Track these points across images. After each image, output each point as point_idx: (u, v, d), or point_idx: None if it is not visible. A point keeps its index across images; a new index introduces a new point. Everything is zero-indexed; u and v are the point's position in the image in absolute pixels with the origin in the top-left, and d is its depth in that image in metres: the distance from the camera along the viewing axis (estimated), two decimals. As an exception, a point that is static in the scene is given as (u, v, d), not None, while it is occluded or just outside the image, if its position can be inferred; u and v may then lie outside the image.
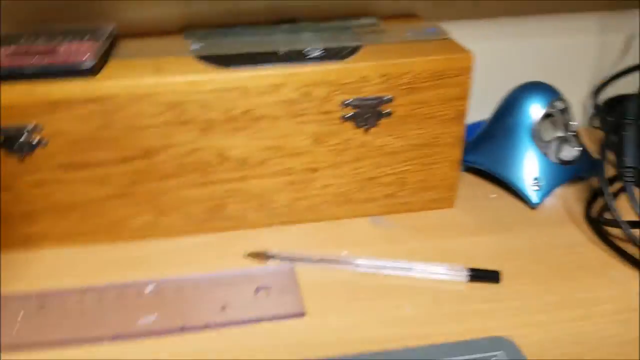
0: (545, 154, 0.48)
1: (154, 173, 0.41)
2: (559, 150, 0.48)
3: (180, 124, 0.39)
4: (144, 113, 0.38)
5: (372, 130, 0.42)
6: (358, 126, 0.42)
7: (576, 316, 0.36)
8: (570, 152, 0.49)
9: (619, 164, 0.40)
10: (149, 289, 0.37)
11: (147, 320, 0.35)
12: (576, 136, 0.49)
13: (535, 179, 0.48)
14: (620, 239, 0.43)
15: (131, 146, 0.39)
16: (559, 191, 0.51)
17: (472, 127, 0.55)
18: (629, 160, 0.39)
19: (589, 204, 0.48)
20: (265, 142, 0.41)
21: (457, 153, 0.45)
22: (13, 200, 0.40)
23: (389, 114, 0.42)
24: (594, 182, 0.52)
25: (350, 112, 0.41)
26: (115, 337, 0.34)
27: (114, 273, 0.40)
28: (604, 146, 0.41)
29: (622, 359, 0.32)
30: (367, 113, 0.41)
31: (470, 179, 0.53)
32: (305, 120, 0.41)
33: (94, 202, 0.41)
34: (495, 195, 0.50)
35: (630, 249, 0.41)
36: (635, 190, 0.42)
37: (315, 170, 0.43)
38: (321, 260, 0.41)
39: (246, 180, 0.42)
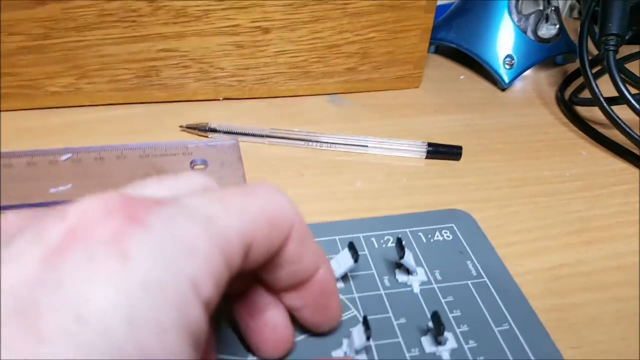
0: (521, 30, 0.44)
1: (71, 21, 0.34)
2: (537, 26, 0.44)
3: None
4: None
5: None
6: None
7: (539, 192, 0.33)
8: (548, 30, 0.45)
9: (602, 32, 0.36)
10: (64, 157, 0.33)
11: (61, 188, 0.30)
12: (557, 12, 0.45)
13: (508, 56, 0.44)
14: (592, 121, 0.40)
15: (42, -17, 0.33)
16: (531, 75, 0.47)
17: (442, 8, 0.50)
18: (613, 27, 0.35)
19: (562, 87, 0.44)
20: (207, -13, 0.35)
21: (429, 20, 0.40)
22: None
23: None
24: (569, 67, 0.49)
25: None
26: (23, 206, 0.29)
27: (24, 142, 0.35)
28: (587, 15, 0.37)
29: (590, 232, 0.30)
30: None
31: (439, 60, 0.49)
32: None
33: (4, 56, 0.35)
34: (464, 77, 0.47)
35: (603, 130, 0.38)
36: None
37: (267, 30, 0.38)
38: (268, 136, 0.36)
39: (184, 38, 0.37)
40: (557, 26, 0.45)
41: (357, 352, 0.22)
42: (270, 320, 0.21)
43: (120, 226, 0.13)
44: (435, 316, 0.22)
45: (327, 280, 0.20)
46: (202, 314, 0.14)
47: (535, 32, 0.44)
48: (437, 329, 0.22)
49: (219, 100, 0.41)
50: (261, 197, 0.17)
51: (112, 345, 0.11)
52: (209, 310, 0.14)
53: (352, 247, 0.25)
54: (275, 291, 0.20)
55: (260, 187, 0.18)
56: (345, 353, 0.23)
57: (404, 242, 0.28)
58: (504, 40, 0.44)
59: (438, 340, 0.23)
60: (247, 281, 0.20)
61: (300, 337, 0.23)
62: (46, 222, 0.13)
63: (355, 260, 0.24)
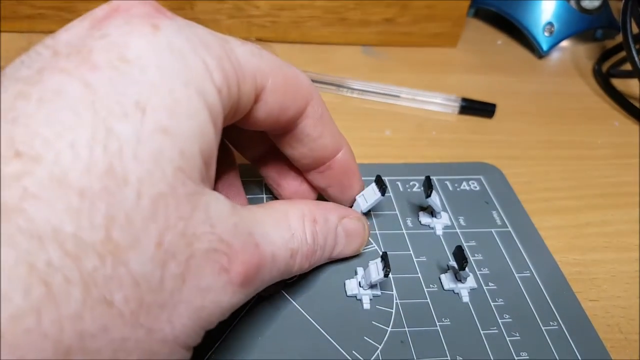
0: (565, -2, 0.43)
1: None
2: (581, -5, 0.43)
3: None
4: None
5: None
6: None
7: (569, 155, 0.33)
8: (592, 1, 0.43)
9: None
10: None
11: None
12: (603, -17, 0.44)
13: (549, 23, 0.43)
14: (628, 95, 0.39)
15: None
16: (570, 47, 0.46)
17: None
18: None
19: (600, 60, 0.43)
20: None
21: (470, -22, 0.39)
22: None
23: None
24: (607, 43, 0.48)
25: None
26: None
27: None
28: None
29: (617, 196, 0.30)
30: None
31: (478, 24, 0.48)
32: None
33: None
34: (501, 42, 0.46)
35: (637, 104, 0.38)
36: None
37: (306, -29, 0.38)
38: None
39: (225, -31, 0.37)
40: (602, -2, 0.43)
41: (372, 286, 0.23)
42: (297, 177, 0.24)
43: (153, 11, 0.16)
44: (458, 250, 0.22)
45: (349, 161, 0.22)
46: (215, 94, 0.15)
47: (578, 2, 0.43)
48: (459, 263, 0.22)
49: (251, 40, 0.40)
50: (280, 59, 0.18)
51: (148, 82, 0.14)
52: (221, 102, 0.16)
53: (379, 180, 0.24)
54: (302, 169, 0.23)
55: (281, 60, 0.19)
56: (359, 283, 0.23)
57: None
58: (546, 7, 0.43)
59: (458, 277, 0.23)
60: (273, 150, 0.23)
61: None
62: (95, 9, 0.15)
63: (383, 194, 0.24)
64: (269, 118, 0.18)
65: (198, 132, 0.14)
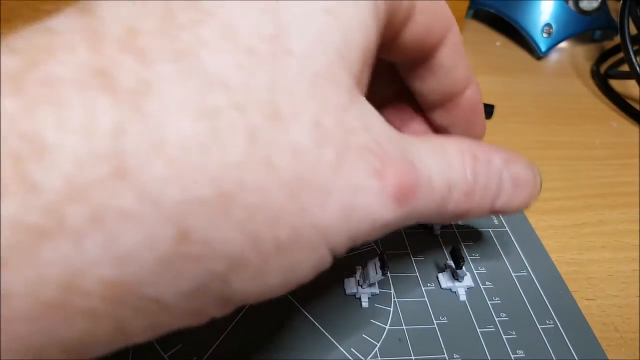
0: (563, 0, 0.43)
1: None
2: (579, -3, 0.43)
3: None
4: None
5: None
6: None
7: (567, 156, 0.33)
8: (590, 2, 0.44)
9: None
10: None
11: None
12: (601, -15, 0.44)
13: (547, 24, 0.43)
14: (626, 96, 0.39)
15: None
16: (568, 48, 0.47)
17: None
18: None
19: (598, 62, 0.44)
20: None
21: (469, -21, 0.40)
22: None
23: None
24: (606, 44, 0.48)
25: None
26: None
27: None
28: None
29: (615, 196, 0.30)
30: None
31: (476, 25, 0.48)
32: None
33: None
34: (500, 43, 0.46)
35: (635, 105, 0.38)
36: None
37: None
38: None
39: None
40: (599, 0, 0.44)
41: (371, 284, 0.23)
42: (415, 129, 0.22)
43: None
44: (456, 251, 0.22)
45: (476, 99, 0.20)
46: None
47: (576, 3, 0.44)
48: (457, 262, 0.22)
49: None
50: None
51: None
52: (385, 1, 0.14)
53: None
54: (426, 107, 0.21)
55: None
56: (358, 282, 0.23)
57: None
58: (544, 8, 0.43)
59: (455, 276, 0.23)
60: (397, 89, 0.21)
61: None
62: None
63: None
64: (414, 42, 0.17)
65: (362, 23, 0.14)
